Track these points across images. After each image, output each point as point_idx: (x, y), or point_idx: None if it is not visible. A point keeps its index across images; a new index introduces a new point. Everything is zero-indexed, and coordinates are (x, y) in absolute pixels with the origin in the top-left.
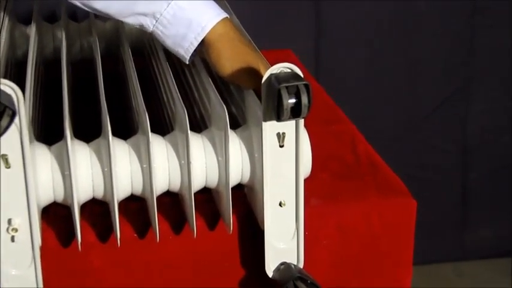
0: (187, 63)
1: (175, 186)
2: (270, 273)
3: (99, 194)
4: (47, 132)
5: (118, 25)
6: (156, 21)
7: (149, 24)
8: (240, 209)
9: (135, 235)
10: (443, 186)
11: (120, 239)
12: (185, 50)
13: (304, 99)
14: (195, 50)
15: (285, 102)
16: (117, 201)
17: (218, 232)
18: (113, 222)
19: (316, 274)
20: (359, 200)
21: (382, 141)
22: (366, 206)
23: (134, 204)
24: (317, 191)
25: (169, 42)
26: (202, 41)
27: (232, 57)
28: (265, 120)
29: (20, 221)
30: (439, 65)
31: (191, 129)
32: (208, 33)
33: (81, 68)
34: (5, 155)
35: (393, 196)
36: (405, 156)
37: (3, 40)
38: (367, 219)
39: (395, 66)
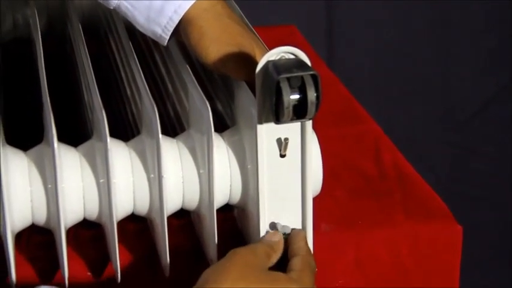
0: (164, 45)
1: (143, 208)
2: None
3: (40, 219)
4: None
5: None
6: None
7: None
8: (228, 238)
9: (89, 273)
10: (490, 203)
11: (68, 278)
12: (163, 28)
13: (311, 95)
14: (175, 28)
15: (285, 99)
16: (65, 228)
17: (199, 268)
18: (59, 256)
19: None
20: (384, 225)
21: (414, 148)
22: (394, 233)
23: (87, 232)
24: (330, 213)
25: (141, 19)
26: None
27: (219, 38)
28: (260, 122)
29: None
30: (480, 64)
31: (163, 133)
32: (190, 7)
33: (15, 51)
34: None
35: (431, 220)
36: (440, 166)
37: None
38: (396, 251)
39: (428, 54)
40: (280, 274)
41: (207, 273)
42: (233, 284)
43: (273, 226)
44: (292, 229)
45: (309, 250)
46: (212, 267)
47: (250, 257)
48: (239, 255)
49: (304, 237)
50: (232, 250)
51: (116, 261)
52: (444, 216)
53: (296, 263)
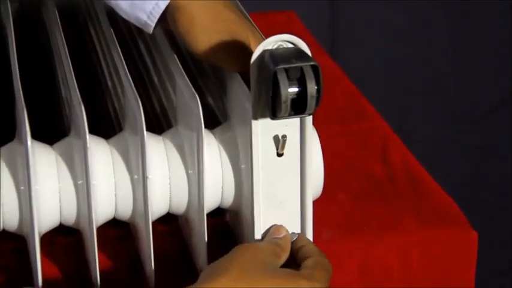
0: (150, 32)
1: (125, 212)
2: None
3: (12, 224)
4: None
5: None
6: None
7: None
8: (220, 245)
9: (65, 283)
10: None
11: (41, 285)
12: (148, 14)
13: (311, 88)
14: (162, 15)
15: (283, 92)
16: (39, 234)
17: (188, 279)
18: (32, 264)
19: None
20: (393, 231)
21: (425, 148)
22: (404, 240)
23: (64, 239)
24: (332, 218)
25: (123, 5)
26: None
27: (210, 25)
28: (255, 118)
29: None
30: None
31: (149, 129)
32: None
33: None
34: None
35: (444, 226)
36: (453, 168)
37: None
38: (406, 260)
39: (440, 47)
40: (288, 270)
41: (206, 271)
42: (235, 282)
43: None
44: (297, 233)
45: (321, 252)
46: (212, 264)
47: (255, 253)
48: (243, 250)
49: (310, 241)
50: (236, 246)
51: (96, 270)
52: (458, 221)
53: (308, 262)
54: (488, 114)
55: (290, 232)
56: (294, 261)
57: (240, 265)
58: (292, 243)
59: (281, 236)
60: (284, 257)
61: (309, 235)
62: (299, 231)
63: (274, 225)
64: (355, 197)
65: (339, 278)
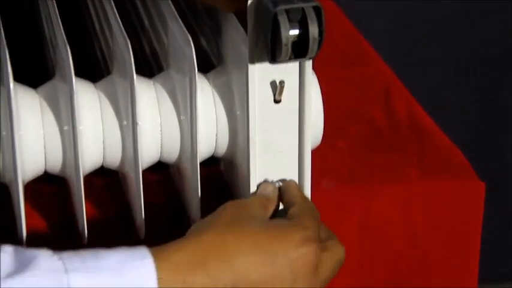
0: None
1: (114, 160)
2: None
3: None
4: None
5: None
6: None
7: None
8: (214, 196)
9: (51, 234)
10: None
11: (26, 239)
12: None
13: (314, 30)
14: None
15: (283, 34)
16: (23, 182)
17: (179, 230)
18: (16, 213)
19: None
20: (395, 182)
21: (430, 99)
22: (406, 191)
23: (49, 188)
24: (331, 168)
25: None
26: None
27: None
28: (252, 62)
29: None
30: None
31: (139, 73)
32: None
33: None
34: None
35: (449, 176)
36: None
37: None
38: (408, 211)
39: None
40: (278, 221)
41: (193, 227)
42: (222, 236)
43: None
44: (283, 179)
45: (305, 197)
46: (200, 220)
47: (242, 207)
48: (230, 206)
49: (296, 186)
50: (224, 203)
51: (83, 220)
52: (464, 171)
53: (294, 211)
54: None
55: (279, 179)
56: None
57: (227, 220)
58: (278, 190)
59: (268, 190)
60: (272, 208)
61: (307, 186)
62: (296, 182)
63: (262, 183)
64: (356, 145)
65: (338, 231)
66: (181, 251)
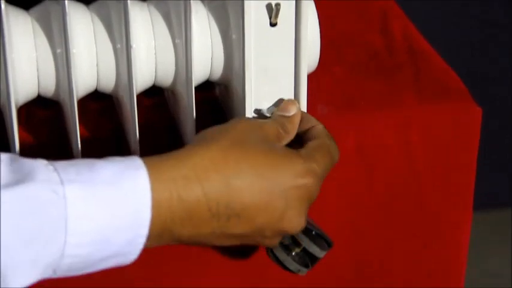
0: None
1: (108, 83)
2: None
3: None
4: None
5: None
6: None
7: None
8: (209, 121)
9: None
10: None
11: None
12: None
13: None
14: None
15: None
16: (16, 106)
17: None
18: (10, 138)
19: (325, 225)
20: (391, 106)
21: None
22: (402, 115)
23: (42, 112)
24: (328, 92)
25: None
26: None
27: None
28: None
29: None
30: None
31: None
32: None
33: None
34: None
35: (446, 100)
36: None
37: None
38: (404, 136)
39: None
40: (285, 148)
41: (199, 135)
42: (224, 151)
43: (258, 112)
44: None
45: (331, 137)
46: (209, 129)
47: (255, 129)
48: (243, 123)
49: (321, 123)
50: (237, 118)
51: (77, 144)
52: (461, 95)
53: (313, 143)
54: None
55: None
56: (300, 143)
57: (235, 136)
58: (300, 123)
59: (290, 114)
60: (286, 140)
61: (303, 110)
62: None
63: (284, 100)
64: (352, 70)
65: None
66: (180, 164)
